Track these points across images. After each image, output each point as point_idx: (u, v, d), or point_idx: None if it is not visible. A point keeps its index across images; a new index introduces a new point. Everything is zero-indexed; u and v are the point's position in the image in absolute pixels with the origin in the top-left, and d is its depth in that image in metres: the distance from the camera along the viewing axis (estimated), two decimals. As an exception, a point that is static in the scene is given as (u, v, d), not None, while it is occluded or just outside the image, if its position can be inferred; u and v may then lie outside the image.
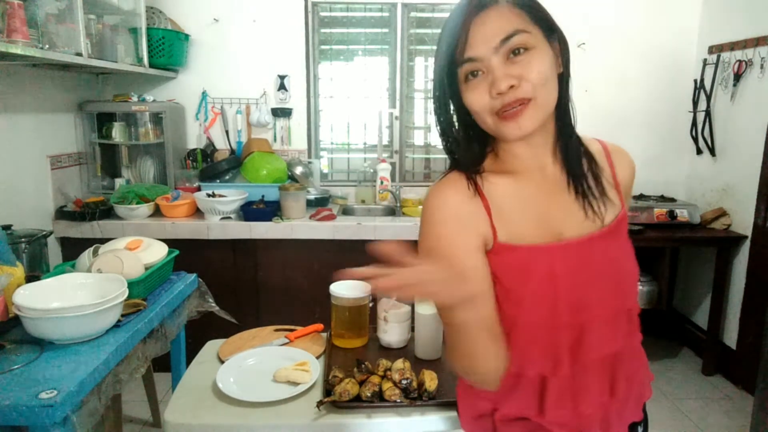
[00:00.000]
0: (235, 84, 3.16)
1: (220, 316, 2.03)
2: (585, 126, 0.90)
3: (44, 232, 2.04)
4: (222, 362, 1.43)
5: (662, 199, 3.15)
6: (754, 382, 2.21)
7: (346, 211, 3.13)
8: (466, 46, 0.79)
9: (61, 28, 2.09)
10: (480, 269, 0.84)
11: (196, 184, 2.94)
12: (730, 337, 2.88)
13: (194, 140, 3.22)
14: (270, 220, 2.67)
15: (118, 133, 2.89)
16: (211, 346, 1.56)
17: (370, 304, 1.57)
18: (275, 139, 3.24)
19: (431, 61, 3.33)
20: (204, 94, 3.16)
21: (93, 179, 2.91)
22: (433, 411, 1.24)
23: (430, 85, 3.47)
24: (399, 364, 1.29)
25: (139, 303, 1.63)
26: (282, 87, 3.17)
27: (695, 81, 3.14)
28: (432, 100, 1.07)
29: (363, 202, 3.23)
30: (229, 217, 2.70)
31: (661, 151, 3.31)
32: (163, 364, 2.08)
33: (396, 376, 1.25)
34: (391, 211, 3.16)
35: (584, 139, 0.91)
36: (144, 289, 1.70)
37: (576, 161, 0.87)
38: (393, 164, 3.33)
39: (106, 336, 1.44)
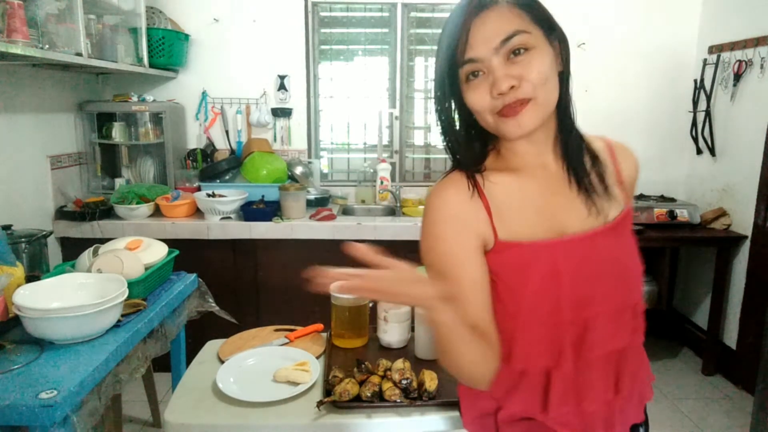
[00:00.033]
0: (235, 84, 3.16)
1: (220, 316, 2.04)
2: (585, 126, 0.90)
3: (44, 232, 2.04)
4: (222, 362, 1.42)
5: (662, 199, 3.15)
6: (754, 382, 2.21)
7: (346, 211, 3.13)
8: (466, 46, 0.79)
9: (61, 28, 2.09)
10: (475, 270, 0.85)
11: (196, 184, 2.94)
12: (730, 337, 2.88)
13: (194, 140, 3.22)
14: (270, 220, 2.67)
15: (118, 133, 2.89)
16: (211, 346, 1.56)
17: (370, 304, 1.57)
18: (275, 139, 3.25)
19: (431, 61, 3.34)
20: (204, 94, 3.16)
21: (93, 179, 2.91)
22: (433, 411, 1.24)
23: (430, 85, 3.49)
24: (399, 364, 1.29)
25: (139, 303, 1.63)
26: (282, 87, 3.17)
27: (695, 81, 3.15)
28: (432, 100, 1.07)
29: (363, 202, 3.23)
30: (229, 217, 2.70)
31: (661, 151, 3.31)
32: (163, 364, 2.08)
33: (396, 376, 1.25)
34: (391, 211, 3.16)
35: (587, 137, 0.91)
36: (144, 289, 1.70)
37: (577, 158, 0.87)
38: (393, 164, 3.33)
39: (106, 336, 1.44)
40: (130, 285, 1.57)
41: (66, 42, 2.11)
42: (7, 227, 2.00)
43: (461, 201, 0.85)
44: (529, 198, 0.86)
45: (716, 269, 2.87)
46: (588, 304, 0.83)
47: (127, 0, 2.65)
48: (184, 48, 3.02)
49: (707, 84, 3.06)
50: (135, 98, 2.90)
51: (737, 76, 2.83)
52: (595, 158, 0.89)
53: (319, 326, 1.66)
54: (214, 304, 2.03)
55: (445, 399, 1.24)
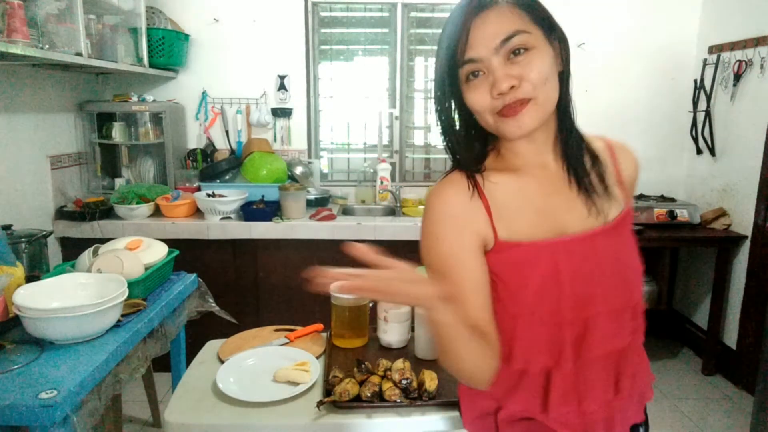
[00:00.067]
0: (235, 84, 3.16)
1: (220, 316, 2.04)
2: (585, 126, 0.91)
3: (44, 232, 2.04)
4: (222, 362, 1.42)
5: (662, 199, 3.15)
6: (754, 382, 2.22)
7: (346, 211, 3.13)
8: (466, 47, 0.79)
9: (61, 28, 2.09)
10: (475, 270, 0.85)
11: (196, 184, 2.94)
12: (730, 337, 2.88)
13: (194, 140, 3.22)
14: (270, 220, 2.67)
15: (118, 133, 2.89)
16: (211, 346, 1.56)
17: (370, 304, 1.57)
18: (275, 139, 3.25)
19: (431, 61, 3.34)
20: (204, 94, 3.16)
21: (93, 179, 2.91)
22: (433, 411, 1.23)
23: (430, 85, 3.49)
24: (399, 364, 1.29)
25: (139, 303, 1.63)
26: (282, 87, 3.17)
27: (695, 81, 3.14)
28: (432, 100, 1.08)
29: (363, 202, 3.23)
30: (229, 217, 2.70)
31: (661, 151, 3.31)
32: (163, 364, 2.08)
33: (396, 376, 1.25)
34: (391, 211, 3.16)
35: (587, 136, 0.91)
36: (144, 289, 1.70)
37: (577, 158, 0.87)
38: (393, 164, 3.33)
39: (106, 336, 1.44)
40: (130, 285, 1.57)
41: (66, 42, 2.11)
42: (7, 227, 2.00)
43: (461, 201, 0.85)
44: (529, 198, 0.86)
45: (716, 269, 2.87)
46: (588, 304, 0.83)
47: (127, 0, 2.65)
48: (184, 48, 3.02)
49: (707, 84, 3.06)
50: (135, 98, 2.90)
51: (737, 76, 2.83)
52: (595, 158, 0.89)
53: (319, 326, 1.66)
54: (214, 304, 2.03)
55: (445, 399, 1.24)
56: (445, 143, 0.91)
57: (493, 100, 0.80)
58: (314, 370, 1.35)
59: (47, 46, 2.01)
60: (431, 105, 3.37)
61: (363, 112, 3.38)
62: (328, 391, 1.26)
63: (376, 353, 1.48)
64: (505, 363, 0.86)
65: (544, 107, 0.81)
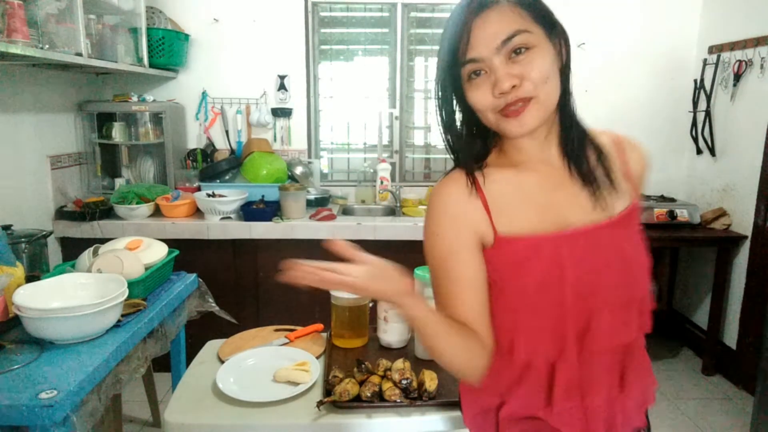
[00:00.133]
0: (235, 84, 3.16)
1: (220, 316, 2.03)
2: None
3: (44, 232, 2.04)
4: (222, 362, 1.43)
5: (662, 199, 3.15)
6: (754, 382, 2.22)
7: (346, 211, 3.13)
8: (468, 47, 0.79)
9: (61, 28, 2.09)
10: (469, 268, 0.86)
11: (196, 184, 2.94)
12: (730, 337, 2.88)
13: (194, 140, 3.22)
14: (270, 220, 2.67)
15: (118, 133, 2.89)
16: (211, 346, 1.56)
17: (370, 304, 1.57)
18: (275, 139, 3.24)
19: (431, 61, 3.34)
20: (204, 94, 3.16)
21: (93, 179, 2.91)
22: (433, 411, 1.24)
23: (430, 85, 3.49)
24: (399, 364, 1.29)
25: (139, 303, 1.63)
26: (282, 87, 3.17)
27: (695, 81, 3.14)
28: (432, 100, 1.08)
29: (363, 202, 3.23)
30: (229, 217, 2.70)
31: (661, 151, 3.31)
32: (163, 364, 2.08)
33: (396, 376, 1.25)
34: (391, 211, 3.16)
35: (592, 131, 0.92)
36: (144, 289, 1.70)
37: (579, 152, 0.88)
38: (393, 164, 3.33)
39: (106, 336, 1.44)
40: (130, 285, 1.57)
41: (66, 42, 2.11)
42: (7, 227, 2.00)
43: (460, 200, 0.86)
44: (531, 193, 0.87)
45: (716, 269, 2.87)
46: (591, 295, 0.83)
47: (127, 0, 2.64)
48: (184, 48, 3.02)
49: (707, 84, 3.06)
50: (135, 98, 2.90)
51: (737, 76, 2.83)
52: (600, 152, 0.89)
53: (319, 326, 1.66)
54: (214, 304, 2.03)
55: (445, 399, 1.24)
56: (445, 142, 0.91)
57: (495, 98, 0.80)
58: (314, 370, 1.35)
59: (47, 46, 2.00)
60: (431, 105, 3.37)
61: (363, 112, 3.38)
62: (328, 391, 1.26)
63: (376, 353, 1.48)
64: (508, 356, 0.86)
65: (545, 105, 0.81)
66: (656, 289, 3.17)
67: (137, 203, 2.66)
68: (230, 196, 2.69)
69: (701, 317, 3.15)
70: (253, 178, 2.92)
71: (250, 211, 2.69)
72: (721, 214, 2.91)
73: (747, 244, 2.77)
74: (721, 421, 2.51)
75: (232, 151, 3.18)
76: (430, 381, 1.24)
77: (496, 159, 0.91)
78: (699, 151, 3.19)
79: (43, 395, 1.13)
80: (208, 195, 2.70)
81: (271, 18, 3.10)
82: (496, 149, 0.92)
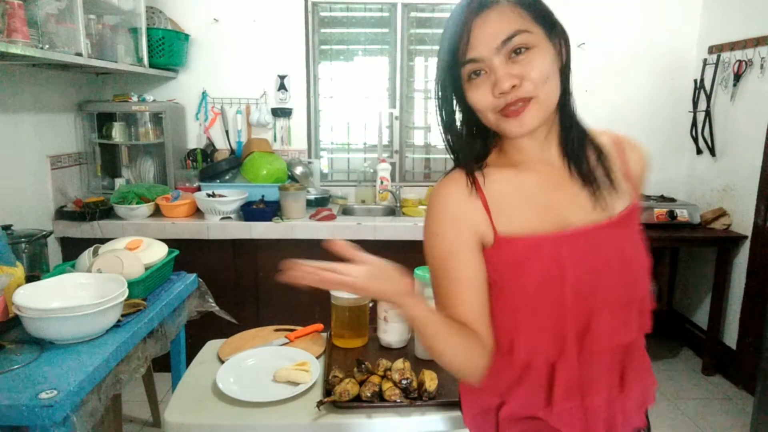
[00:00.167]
0: (235, 84, 3.16)
1: (220, 316, 2.03)
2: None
3: (44, 232, 2.04)
4: (222, 362, 1.43)
5: (662, 199, 3.15)
6: (754, 382, 2.22)
7: (346, 211, 3.13)
8: (468, 47, 0.79)
9: (61, 28, 2.09)
10: (469, 268, 0.86)
11: (196, 184, 2.94)
12: (730, 337, 2.88)
13: (194, 140, 3.22)
14: (270, 220, 2.67)
15: (118, 133, 2.89)
16: (211, 346, 1.56)
17: (370, 304, 1.57)
18: (275, 139, 3.24)
19: (431, 61, 3.34)
20: (204, 94, 3.16)
21: (93, 179, 2.91)
22: (433, 411, 1.24)
23: (430, 85, 3.49)
24: (399, 364, 1.29)
25: (139, 303, 1.63)
26: (282, 87, 3.17)
27: (695, 81, 3.14)
28: (432, 100, 1.08)
29: (363, 202, 3.23)
30: (229, 217, 2.70)
31: (661, 151, 3.31)
32: (163, 364, 2.08)
33: (396, 376, 1.25)
34: (391, 211, 3.16)
35: (592, 131, 0.92)
36: (144, 289, 1.70)
37: (579, 152, 0.88)
38: (393, 164, 3.33)
39: (106, 336, 1.44)
40: (130, 285, 1.57)
41: (66, 42, 2.11)
42: (7, 227, 1.99)
43: (460, 200, 0.86)
44: (531, 193, 0.87)
45: (716, 269, 2.87)
46: (591, 294, 0.83)
47: (127, 0, 2.64)
48: (184, 48, 3.02)
49: (707, 84, 3.06)
50: (135, 98, 2.90)
51: (737, 76, 2.83)
52: (600, 152, 0.89)
53: (319, 326, 1.66)
54: (214, 304, 2.03)
55: (445, 399, 1.24)
56: (445, 142, 0.91)
57: (495, 98, 0.80)
58: (314, 370, 1.35)
59: (47, 46, 2.00)
60: (431, 105, 3.37)
61: (363, 112, 3.38)
62: (328, 391, 1.26)
63: (376, 353, 1.48)
64: (508, 356, 0.86)
65: (545, 105, 0.81)
66: (656, 289, 3.17)
67: (137, 203, 2.66)
68: (230, 196, 2.69)
69: (701, 317, 3.14)
70: (253, 178, 2.92)
71: (250, 211, 2.69)
72: (721, 214, 2.91)
73: (747, 244, 2.77)
74: (721, 421, 2.51)
75: (232, 151, 3.18)
76: (430, 381, 1.24)
77: (496, 159, 0.91)
78: (699, 151, 3.19)
79: (43, 395, 1.13)
80: (208, 195, 2.70)
81: (271, 18, 3.10)
82: (496, 149, 0.92)
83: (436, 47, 0.87)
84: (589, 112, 0.96)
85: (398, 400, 1.22)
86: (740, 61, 2.81)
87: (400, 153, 3.37)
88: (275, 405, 1.23)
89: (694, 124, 3.17)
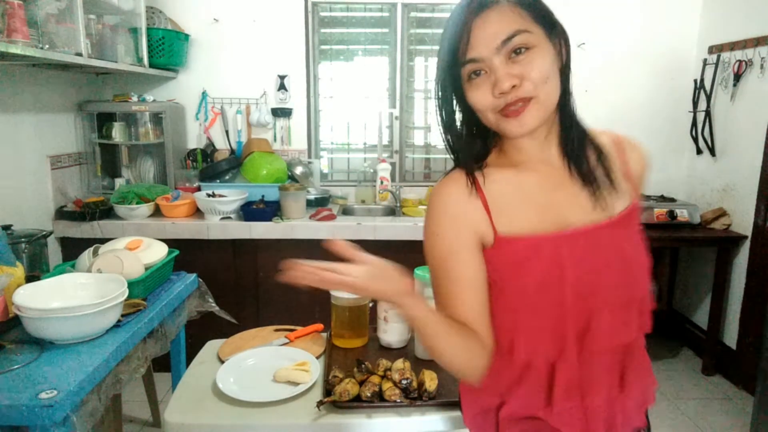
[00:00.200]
0: (235, 84, 3.16)
1: (220, 316, 2.04)
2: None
3: (44, 232, 2.04)
4: (222, 362, 1.43)
5: (662, 199, 3.15)
6: (754, 382, 2.22)
7: (346, 211, 3.13)
8: (468, 47, 0.79)
9: (61, 28, 2.09)
10: (469, 268, 0.86)
11: (196, 184, 2.94)
12: (730, 337, 2.88)
13: (194, 140, 3.22)
14: (270, 220, 2.67)
15: (118, 133, 2.89)
16: (211, 346, 1.56)
17: (370, 304, 1.57)
18: (275, 139, 3.24)
19: (431, 61, 3.34)
20: (204, 94, 3.16)
21: (93, 179, 2.91)
22: (433, 411, 1.24)
23: (430, 85, 3.49)
24: (399, 364, 1.29)
25: (139, 303, 1.63)
26: (282, 87, 3.17)
27: (695, 81, 3.14)
28: (432, 100, 1.08)
29: (363, 202, 3.23)
30: (229, 217, 2.70)
31: (661, 151, 3.31)
32: (163, 364, 2.08)
33: (396, 376, 1.25)
34: (391, 211, 3.16)
35: (592, 131, 0.92)
36: (144, 289, 1.70)
37: (579, 152, 0.88)
38: (393, 164, 3.33)
39: (106, 336, 1.44)
40: (130, 285, 1.57)
41: (66, 42, 2.11)
42: (7, 227, 1.99)
43: (460, 200, 0.86)
44: (531, 193, 0.87)
45: (716, 269, 2.87)
46: (591, 294, 0.83)
47: (127, 0, 2.65)
48: (184, 48, 3.02)
49: (707, 84, 3.06)
50: (135, 98, 2.90)
51: (737, 76, 2.83)
52: (600, 152, 0.89)
53: (319, 326, 1.66)
54: (214, 304, 2.03)
55: (445, 399, 1.24)
56: (445, 142, 0.91)
57: (495, 98, 0.80)
58: (314, 370, 1.35)
59: (47, 46, 2.00)
60: (431, 105, 3.37)
61: (363, 112, 3.38)
62: (328, 391, 1.26)
63: (376, 353, 1.48)
64: (508, 356, 0.86)
65: (545, 106, 0.81)
66: (656, 289, 3.17)
67: (137, 203, 2.66)
68: (230, 196, 2.69)
69: (701, 317, 3.14)
70: (253, 178, 2.92)
71: (250, 211, 2.69)
72: (721, 214, 2.91)
73: (747, 244, 2.77)
74: (721, 421, 2.51)
75: (232, 151, 3.18)
76: (430, 381, 1.24)
77: (496, 159, 0.91)
78: (699, 151, 3.19)
79: (43, 395, 1.13)
80: (208, 195, 2.70)
81: (271, 18, 3.10)
82: (496, 149, 0.92)
83: (436, 47, 0.87)
84: (589, 112, 0.96)
85: (398, 400, 1.22)
86: (740, 61, 2.81)
87: (400, 153, 3.37)
88: (275, 405, 1.23)
89: (694, 124, 3.17)
